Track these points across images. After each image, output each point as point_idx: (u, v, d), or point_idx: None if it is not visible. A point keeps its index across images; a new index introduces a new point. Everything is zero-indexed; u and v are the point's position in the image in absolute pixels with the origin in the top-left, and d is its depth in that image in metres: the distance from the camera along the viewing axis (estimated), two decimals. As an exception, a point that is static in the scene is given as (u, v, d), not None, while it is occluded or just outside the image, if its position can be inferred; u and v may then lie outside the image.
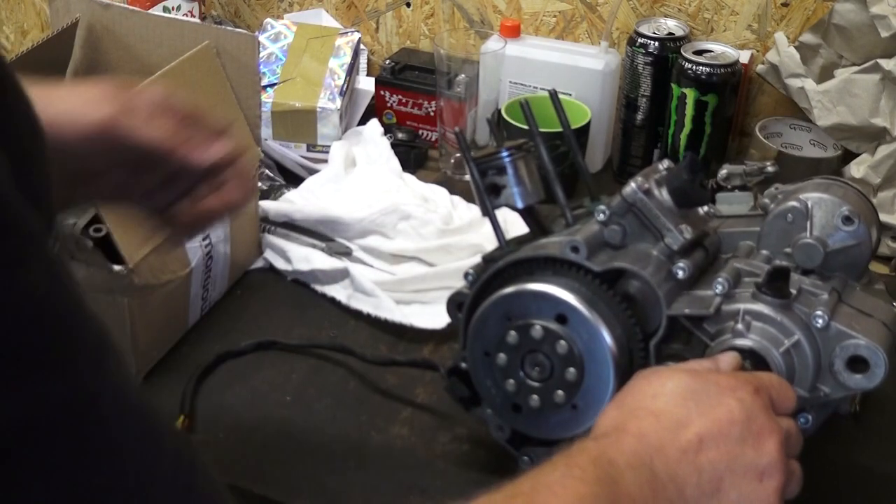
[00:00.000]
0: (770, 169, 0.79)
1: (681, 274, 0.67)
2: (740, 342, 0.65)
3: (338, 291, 0.99)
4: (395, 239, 1.05)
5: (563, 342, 0.67)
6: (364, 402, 0.86)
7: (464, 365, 0.74)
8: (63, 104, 0.60)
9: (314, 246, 1.04)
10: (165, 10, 1.33)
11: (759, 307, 0.66)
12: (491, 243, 0.96)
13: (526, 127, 1.11)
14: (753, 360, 0.65)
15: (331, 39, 1.30)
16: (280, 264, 1.03)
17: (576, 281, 0.68)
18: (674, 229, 0.68)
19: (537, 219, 0.77)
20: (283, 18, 1.38)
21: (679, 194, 0.69)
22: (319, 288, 1.01)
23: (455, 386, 0.75)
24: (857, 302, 0.69)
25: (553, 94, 0.82)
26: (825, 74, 1.12)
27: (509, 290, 0.69)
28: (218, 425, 0.83)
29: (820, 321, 0.65)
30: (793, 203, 0.72)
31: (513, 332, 0.69)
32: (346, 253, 1.03)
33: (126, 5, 1.16)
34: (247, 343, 0.92)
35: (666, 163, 0.73)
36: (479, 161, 0.74)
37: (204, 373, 0.88)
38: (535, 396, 0.69)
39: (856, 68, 1.08)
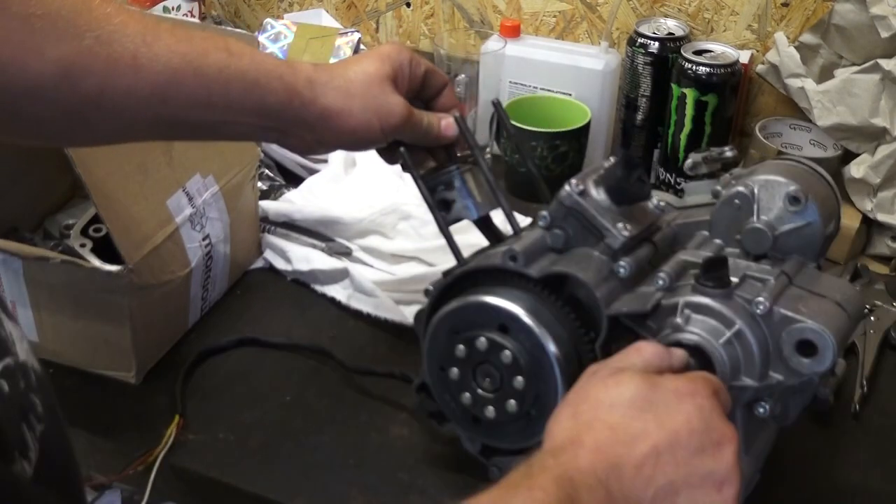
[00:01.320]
0: (728, 154, 0.77)
1: (622, 272, 0.66)
2: (679, 336, 0.63)
3: (338, 291, 0.99)
4: (395, 239, 1.05)
5: (507, 352, 0.67)
6: (364, 402, 0.86)
7: (429, 380, 0.74)
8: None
9: (314, 246, 1.04)
10: (165, 10, 1.33)
11: (698, 299, 0.64)
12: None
13: (527, 127, 1.12)
14: (694, 353, 0.63)
15: (331, 39, 1.30)
16: (280, 264, 1.03)
17: (518, 289, 0.68)
18: (612, 228, 0.67)
19: (493, 229, 0.77)
20: (283, 18, 1.38)
21: (616, 192, 0.68)
22: (319, 288, 1.01)
23: (425, 402, 0.75)
24: (809, 283, 0.67)
25: (496, 104, 0.83)
26: (825, 74, 1.12)
27: (452, 304, 0.70)
28: (217, 425, 0.83)
29: (761, 307, 0.62)
30: (739, 188, 0.70)
31: (461, 346, 0.69)
32: (346, 253, 1.03)
33: (126, 5, 1.16)
34: (228, 340, 0.92)
35: (612, 160, 0.72)
36: (427, 178, 0.75)
37: (189, 370, 0.89)
38: (490, 408, 0.70)
39: (856, 68, 1.08)
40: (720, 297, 0.64)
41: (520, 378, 0.67)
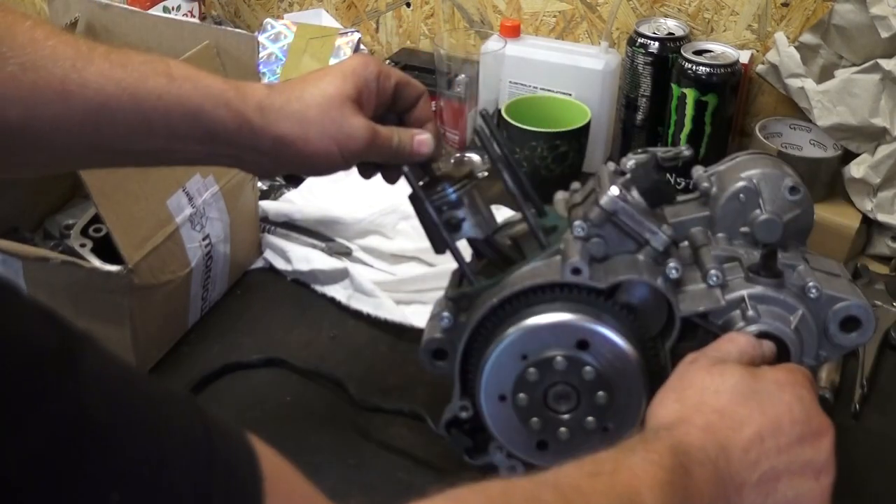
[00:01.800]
0: (686, 153, 0.77)
1: (674, 273, 0.66)
2: (758, 328, 0.65)
3: (338, 291, 0.99)
4: (395, 239, 1.05)
5: (588, 368, 0.66)
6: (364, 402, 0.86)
7: (463, 415, 0.72)
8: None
9: (314, 246, 1.04)
10: (165, 10, 1.33)
11: (759, 290, 0.67)
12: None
13: (527, 127, 1.12)
14: (772, 342, 0.66)
15: (331, 39, 1.30)
16: (280, 264, 1.03)
17: (581, 303, 0.67)
18: (658, 231, 0.67)
19: (496, 246, 0.74)
20: (283, 18, 1.38)
21: (651, 194, 0.68)
22: (319, 288, 1.01)
23: (459, 438, 0.73)
24: (819, 265, 0.70)
25: (484, 115, 0.77)
26: (825, 74, 1.12)
27: (522, 328, 0.66)
28: (218, 425, 0.83)
29: (814, 291, 0.66)
30: (741, 183, 0.72)
31: (532, 370, 0.67)
32: (346, 253, 1.03)
33: (126, 5, 1.16)
34: (257, 357, 0.91)
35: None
36: (434, 199, 0.70)
37: (205, 381, 0.88)
38: (563, 429, 0.68)
39: (856, 68, 1.08)
40: (776, 286, 0.67)
41: (602, 393, 0.66)
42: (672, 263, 0.67)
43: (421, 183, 0.72)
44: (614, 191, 0.67)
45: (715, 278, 0.67)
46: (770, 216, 0.70)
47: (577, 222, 0.67)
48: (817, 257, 0.72)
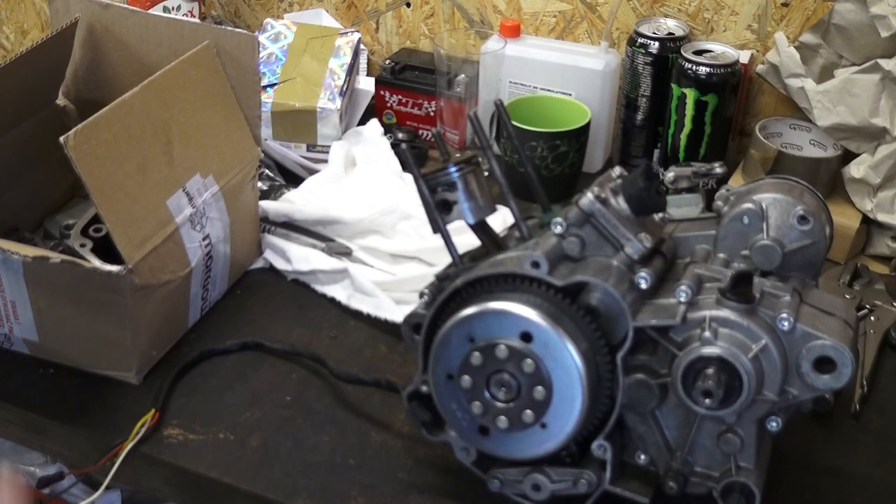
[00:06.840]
0: (718, 170, 0.78)
1: (643, 283, 0.66)
2: (709, 350, 0.64)
3: (338, 291, 0.99)
4: (395, 239, 1.05)
5: (529, 360, 0.66)
6: (364, 402, 0.86)
7: (424, 388, 0.73)
8: None
9: (314, 246, 1.04)
10: (165, 10, 1.33)
11: (724, 313, 0.65)
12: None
13: (527, 127, 1.12)
14: (723, 367, 0.64)
15: (331, 39, 1.30)
16: (280, 264, 1.03)
17: (537, 297, 0.67)
18: (633, 238, 0.66)
19: (490, 233, 0.75)
20: (283, 18, 1.38)
21: (636, 202, 0.68)
22: (319, 288, 1.01)
23: (416, 410, 0.74)
24: (817, 301, 0.68)
25: (499, 104, 0.80)
26: (825, 74, 1.12)
27: (470, 310, 0.68)
28: (218, 425, 0.83)
29: (786, 324, 0.64)
30: (748, 205, 0.71)
31: (476, 354, 0.68)
32: (346, 253, 1.03)
33: (126, 5, 1.16)
34: (232, 342, 0.92)
35: (618, 170, 0.72)
36: (429, 177, 0.72)
37: (183, 370, 0.89)
38: (502, 417, 0.69)
39: (856, 68, 1.08)
40: (745, 312, 0.65)
41: (540, 388, 0.66)
42: (643, 273, 0.66)
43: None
44: (592, 192, 0.67)
45: (684, 295, 0.66)
46: (769, 242, 0.69)
47: (556, 219, 0.68)
48: (822, 294, 0.70)
